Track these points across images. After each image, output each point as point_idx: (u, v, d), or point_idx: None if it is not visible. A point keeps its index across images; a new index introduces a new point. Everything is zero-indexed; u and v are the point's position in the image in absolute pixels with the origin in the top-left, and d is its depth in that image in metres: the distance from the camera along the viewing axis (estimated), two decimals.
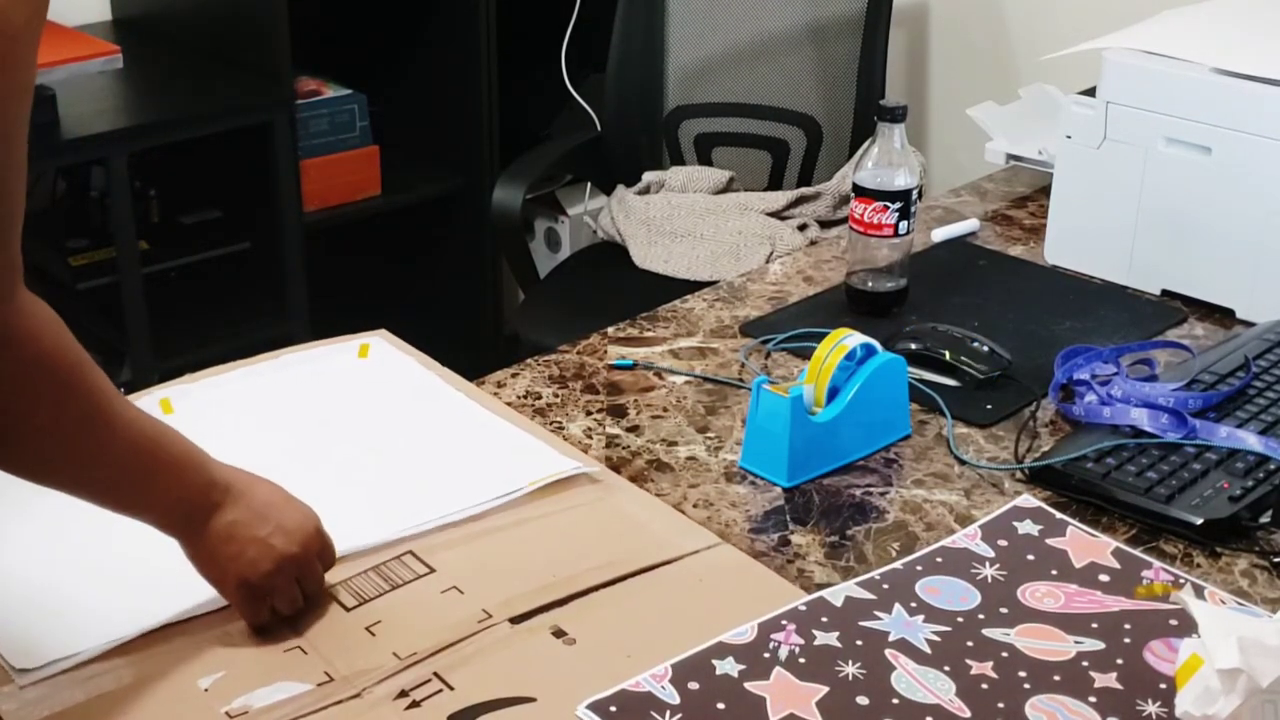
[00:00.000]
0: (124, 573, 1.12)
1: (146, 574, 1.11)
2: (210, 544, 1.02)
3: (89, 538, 1.15)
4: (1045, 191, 1.82)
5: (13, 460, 0.91)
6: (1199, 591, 1.14)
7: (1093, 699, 1.01)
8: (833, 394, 1.31)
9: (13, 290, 0.85)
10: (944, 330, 1.49)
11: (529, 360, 1.50)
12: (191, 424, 1.31)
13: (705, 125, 2.57)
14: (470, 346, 2.77)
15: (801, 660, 1.04)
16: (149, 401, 1.35)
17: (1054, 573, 1.15)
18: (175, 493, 1.00)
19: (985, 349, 1.46)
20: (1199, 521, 1.20)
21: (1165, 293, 1.65)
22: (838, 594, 1.12)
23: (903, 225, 1.56)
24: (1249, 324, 1.57)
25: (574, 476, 1.27)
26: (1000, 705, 1.01)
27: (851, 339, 1.32)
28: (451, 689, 1.02)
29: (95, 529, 1.14)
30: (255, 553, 1.03)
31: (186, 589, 1.07)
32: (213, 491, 1.01)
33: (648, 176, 2.47)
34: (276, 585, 1.05)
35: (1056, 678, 1.03)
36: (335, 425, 1.35)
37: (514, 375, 1.47)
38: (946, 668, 1.04)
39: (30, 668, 1.02)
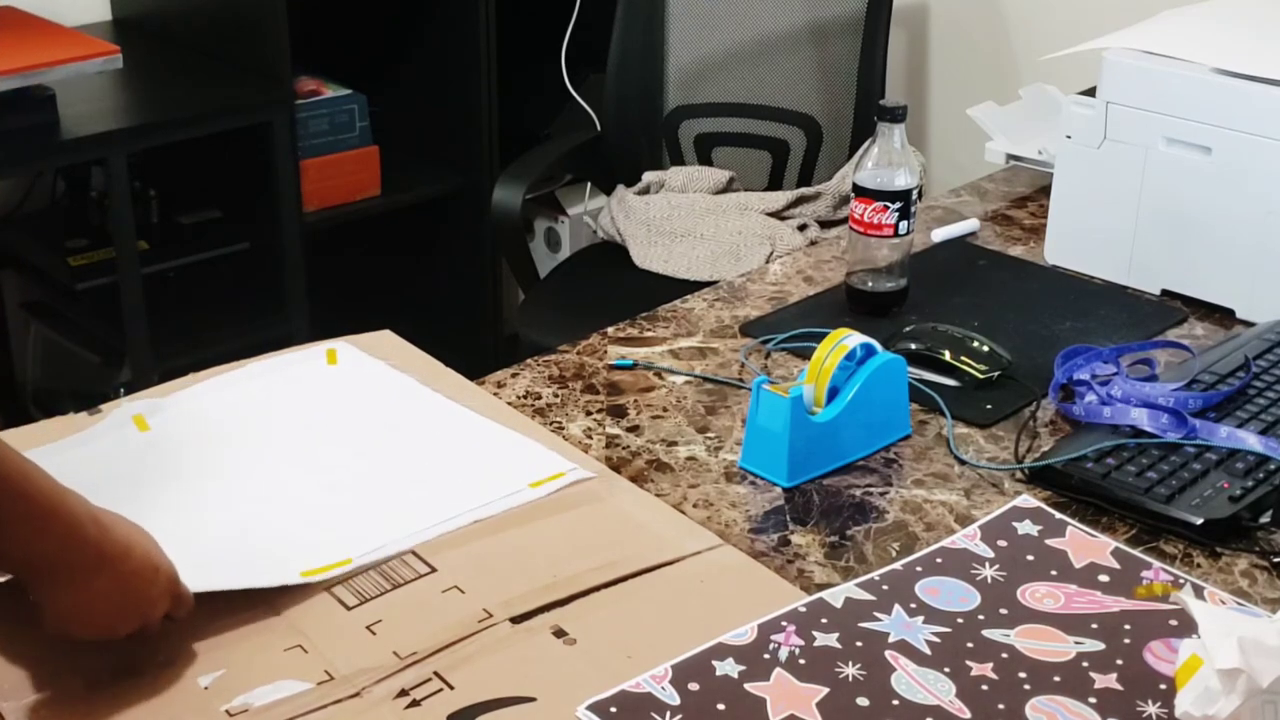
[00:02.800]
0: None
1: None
2: (70, 605, 0.98)
3: None
4: (1045, 191, 1.82)
5: None
6: (1199, 591, 1.14)
7: (1093, 700, 1.01)
8: (833, 394, 1.31)
9: None
10: (944, 330, 1.49)
11: (529, 360, 1.50)
12: (170, 439, 1.31)
13: (705, 125, 2.57)
14: (470, 346, 2.77)
15: (801, 661, 1.04)
16: (121, 418, 1.33)
17: (1054, 573, 1.15)
18: (40, 542, 0.94)
19: (985, 349, 1.46)
20: (1199, 521, 1.20)
21: (1165, 293, 1.66)
22: (837, 595, 1.12)
23: (903, 225, 1.57)
24: (1249, 324, 1.57)
25: (574, 477, 1.26)
26: (1000, 706, 1.01)
27: (851, 339, 1.32)
28: (452, 688, 1.02)
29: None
30: (113, 622, 1.00)
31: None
32: (83, 552, 0.96)
33: (648, 176, 2.47)
34: (116, 636, 1.02)
35: (1056, 678, 1.03)
36: (317, 435, 1.34)
37: (514, 375, 1.47)
38: (946, 669, 1.04)
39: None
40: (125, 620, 1.01)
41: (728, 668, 1.03)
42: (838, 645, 1.06)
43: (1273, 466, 1.26)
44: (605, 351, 1.52)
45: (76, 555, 0.97)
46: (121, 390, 2.31)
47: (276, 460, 1.29)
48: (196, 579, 1.08)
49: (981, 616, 1.10)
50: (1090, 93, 1.67)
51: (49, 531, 0.95)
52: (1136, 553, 1.19)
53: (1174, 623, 1.08)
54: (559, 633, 1.08)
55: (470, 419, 1.35)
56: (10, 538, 0.94)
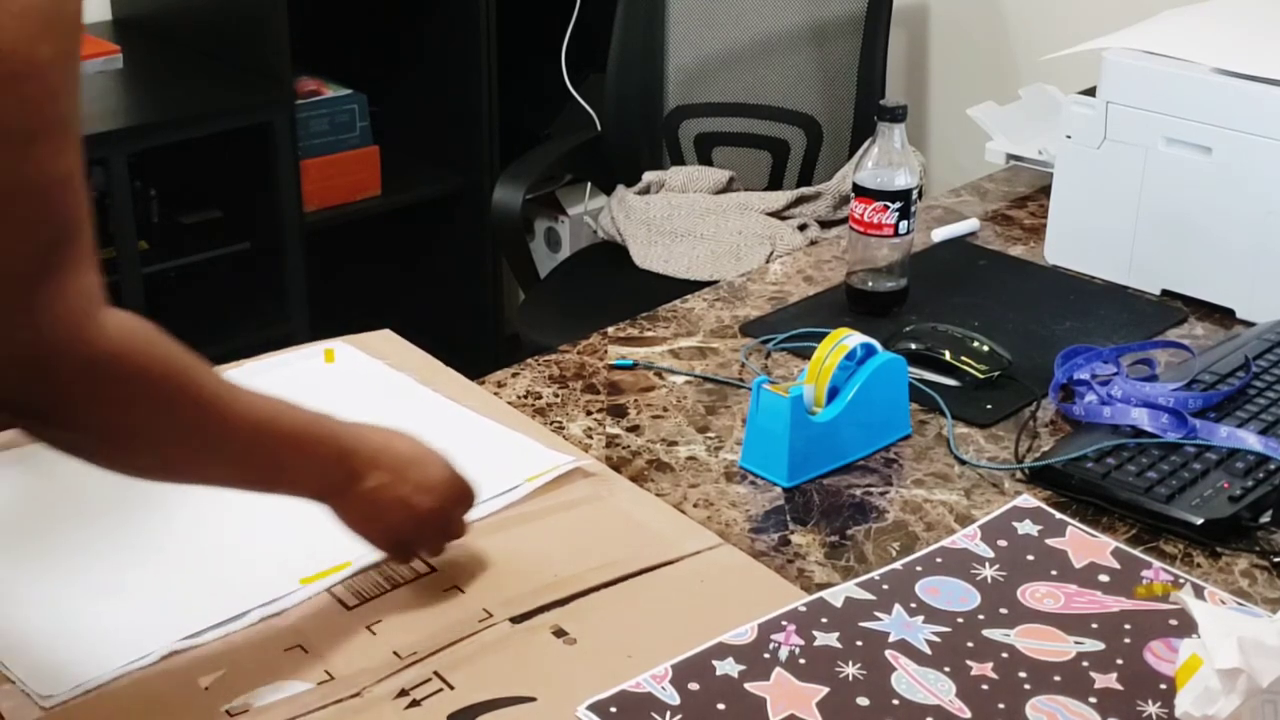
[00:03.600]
0: (142, 596, 1.12)
1: (164, 597, 1.12)
2: (356, 509, 1.06)
3: (105, 562, 1.16)
4: (1045, 191, 1.82)
5: (138, 469, 0.94)
6: (1199, 591, 1.14)
7: (1093, 699, 1.01)
8: (833, 394, 1.31)
9: (94, 309, 0.85)
10: (944, 330, 1.49)
11: (529, 360, 1.50)
12: None
13: (705, 125, 2.57)
14: (470, 346, 2.77)
15: (802, 661, 1.04)
16: None
17: (1054, 573, 1.15)
18: (308, 469, 1.02)
19: (985, 349, 1.46)
20: (1199, 521, 1.20)
21: (1165, 293, 1.66)
22: (838, 594, 1.12)
23: (903, 225, 1.57)
24: (1249, 324, 1.57)
25: (575, 477, 1.27)
26: (1000, 706, 1.01)
27: (851, 339, 1.32)
28: (452, 688, 1.02)
29: (113, 553, 1.16)
30: (400, 514, 1.07)
31: (204, 610, 1.08)
32: (349, 460, 1.04)
33: (648, 176, 2.47)
34: (422, 537, 1.11)
35: (1057, 678, 1.03)
36: None
37: (514, 375, 1.47)
38: (946, 668, 1.04)
39: (54, 693, 1.01)
40: (413, 514, 1.07)
41: (728, 667, 1.03)
42: (838, 645, 1.06)
43: (1273, 466, 1.26)
44: (605, 351, 1.52)
45: (342, 466, 1.03)
46: None
47: None
48: (202, 605, 1.09)
49: (981, 616, 1.10)
50: (1090, 93, 1.67)
51: (313, 456, 1.02)
52: (1136, 553, 1.19)
53: (1174, 623, 1.08)
54: (559, 632, 1.08)
55: (468, 417, 1.35)
56: (284, 472, 1.01)
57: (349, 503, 1.05)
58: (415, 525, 1.09)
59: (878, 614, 1.10)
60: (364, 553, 1.15)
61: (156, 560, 1.16)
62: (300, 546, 1.17)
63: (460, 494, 1.11)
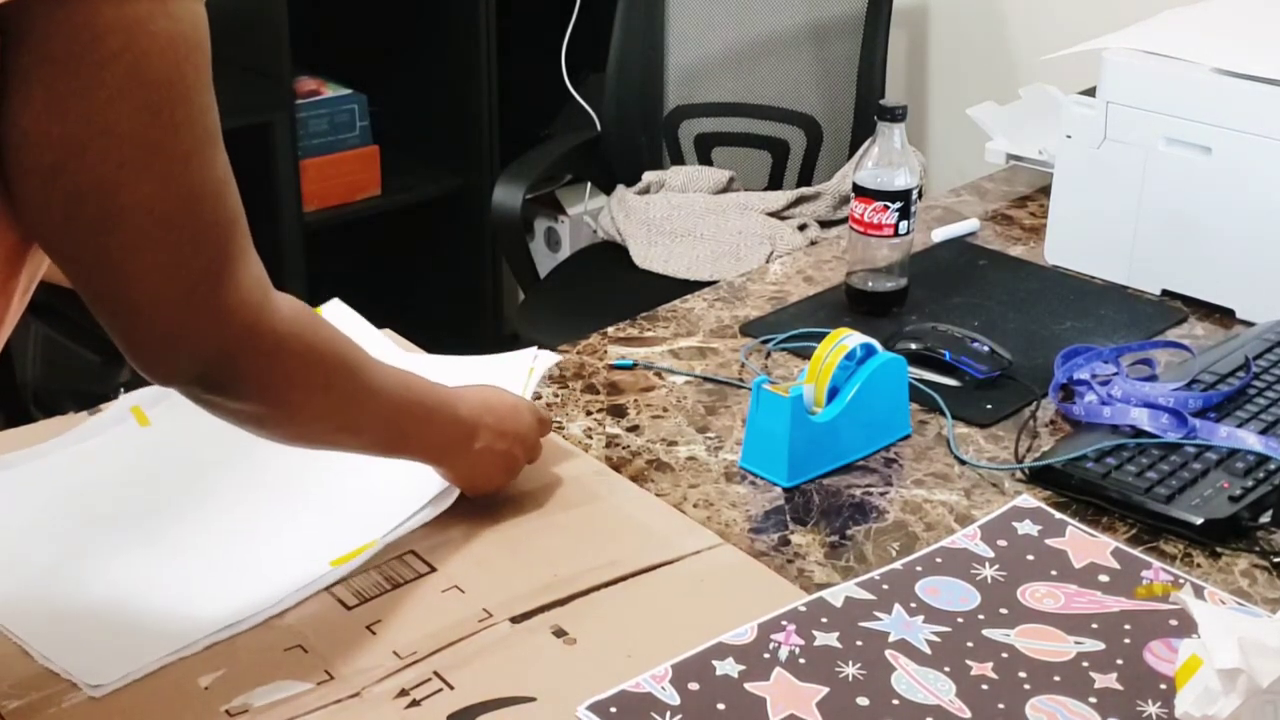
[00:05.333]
0: (177, 587, 1.13)
1: (198, 587, 1.12)
2: (467, 467, 1.18)
3: (137, 553, 1.16)
4: (1045, 191, 1.82)
5: (296, 438, 1.04)
6: (1199, 591, 1.14)
7: (1093, 699, 1.01)
8: (833, 394, 1.31)
9: (267, 295, 0.94)
10: (944, 330, 1.49)
11: None
12: (174, 435, 1.30)
13: (705, 125, 2.57)
14: (470, 346, 2.76)
15: (802, 661, 1.04)
16: (121, 409, 1.34)
17: (1054, 573, 1.15)
18: (431, 437, 1.13)
19: (985, 349, 1.46)
20: (1199, 521, 1.20)
21: (1165, 293, 1.66)
22: (837, 594, 1.12)
23: (903, 225, 1.57)
24: (1249, 324, 1.57)
25: (574, 477, 1.27)
26: (1000, 706, 1.01)
27: (851, 339, 1.32)
28: (451, 688, 1.02)
29: (143, 544, 1.17)
30: (503, 465, 1.20)
31: (239, 599, 1.09)
32: (462, 426, 1.15)
33: (648, 176, 2.47)
34: (513, 475, 1.22)
35: (1056, 678, 1.03)
36: None
37: None
38: (946, 668, 1.04)
39: (102, 683, 1.02)
40: (515, 465, 1.21)
41: (728, 667, 1.03)
42: (838, 645, 1.06)
43: (1273, 466, 1.26)
44: (605, 351, 1.52)
45: (458, 431, 1.15)
46: (122, 390, 2.30)
47: (270, 453, 1.29)
48: (237, 594, 1.09)
49: (981, 616, 1.10)
50: (1090, 93, 1.67)
51: (436, 425, 1.13)
52: (1136, 553, 1.19)
53: (1174, 623, 1.09)
54: (559, 632, 1.08)
55: (452, 363, 1.36)
56: (412, 439, 1.12)
57: (461, 463, 1.17)
58: (514, 473, 1.21)
59: (878, 614, 1.10)
60: (386, 530, 1.16)
61: (187, 551, 1.17)
62: (325, 530, 1.17)
63: (543, 429, 1.23)
